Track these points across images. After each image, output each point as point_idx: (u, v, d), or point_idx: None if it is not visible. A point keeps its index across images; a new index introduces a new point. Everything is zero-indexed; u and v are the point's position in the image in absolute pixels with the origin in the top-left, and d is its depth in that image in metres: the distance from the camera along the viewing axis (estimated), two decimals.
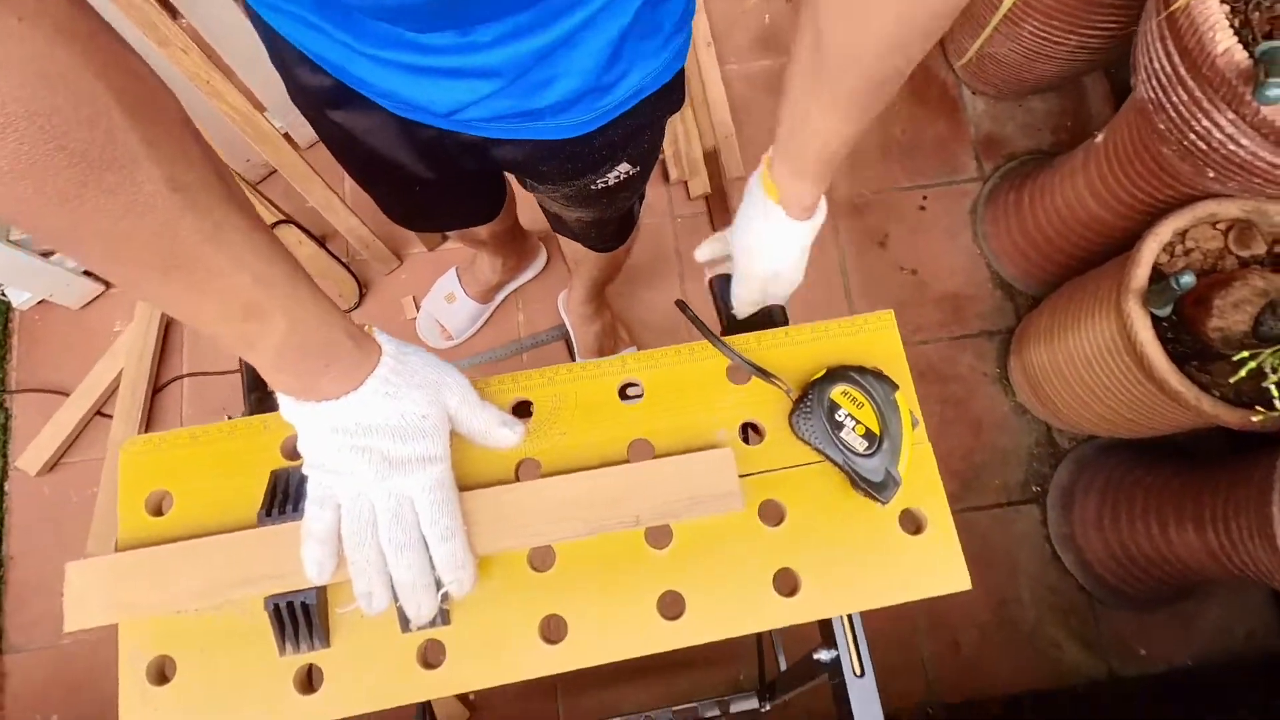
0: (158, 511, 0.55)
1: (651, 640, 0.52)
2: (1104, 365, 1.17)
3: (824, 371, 0.54)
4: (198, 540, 0.52)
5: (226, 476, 0.55)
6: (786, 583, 0.53)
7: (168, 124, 0.34)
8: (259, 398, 0.63)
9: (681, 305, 0.63)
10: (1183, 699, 1.37)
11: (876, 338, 0.59)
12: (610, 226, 0.92)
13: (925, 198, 1.65)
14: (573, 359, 1.52)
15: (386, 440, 0.47)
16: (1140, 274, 1.07)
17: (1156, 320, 1.08)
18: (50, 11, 0.29)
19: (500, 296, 1.56)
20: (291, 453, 0.56)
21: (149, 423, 1.52)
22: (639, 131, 0.68)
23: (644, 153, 0.73)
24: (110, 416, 1.52)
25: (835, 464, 0.52)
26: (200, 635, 0.51)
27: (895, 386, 0.53)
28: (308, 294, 0.43)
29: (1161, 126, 1.02)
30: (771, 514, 0.55)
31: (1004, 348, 1.56)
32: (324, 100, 0.63)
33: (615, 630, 0.52)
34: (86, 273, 1.54)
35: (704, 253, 0.70)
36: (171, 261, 0.36)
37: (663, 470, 0.53)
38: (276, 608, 0.51)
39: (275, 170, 1.47)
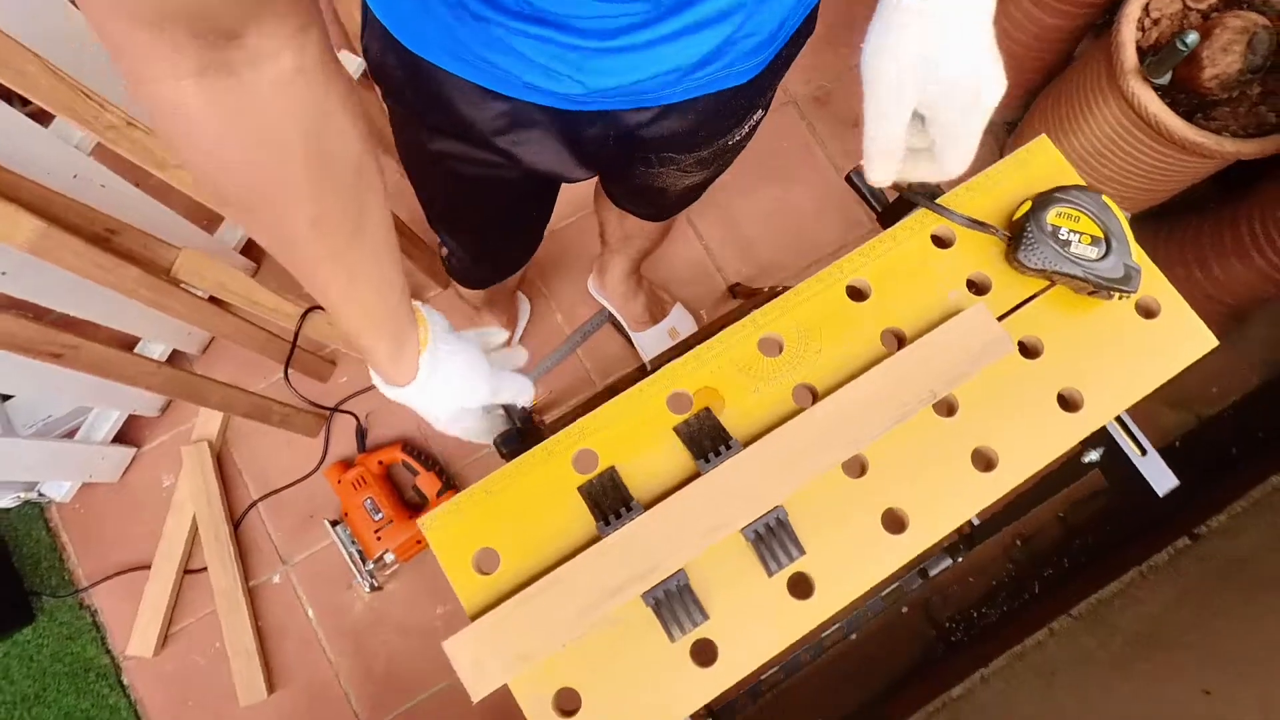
0: (482, 570, 0.55)
1: (979, 496, 0.55)
2: (1116, 148, 1.25)
3: (1029, 204, 0.58)
4: (554, 573, 0.53)
5: (536, 511, 0.56)
6: (1067, 402, 0.58)
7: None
8: (511, 452, 0.63)
9: (851, 177, 0.62)
10: (1263, 420, 1.50)
11: (1043, 164, 0.63)
12: (703, 188, 0.90)
13: None
14: (626, 338, 1.53)
15: None
16: (1129, 54, 1.15)
17: (1155, 90, 1.16)
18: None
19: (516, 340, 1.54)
20: (587, 466, 0.57)
21: (243, 557, 1.47)
22: (780, 70, 0.66)
23: (771, 96, 0.72)
24: (200, 570, 1.47)
25: (1074, 278, 0.56)
26: (589, 656, 0.53)
27: (1100, 192, 0.57)
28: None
29: None
30: (1028, 350, 0.59)
31: None
32: (493, 128, 0.62)
33: (944, 500, 0.55)
34: (115, 439, 1.46)
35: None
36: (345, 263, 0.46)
37: (932, 344, 0.56)
38: (656, 600, 0.52)
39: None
